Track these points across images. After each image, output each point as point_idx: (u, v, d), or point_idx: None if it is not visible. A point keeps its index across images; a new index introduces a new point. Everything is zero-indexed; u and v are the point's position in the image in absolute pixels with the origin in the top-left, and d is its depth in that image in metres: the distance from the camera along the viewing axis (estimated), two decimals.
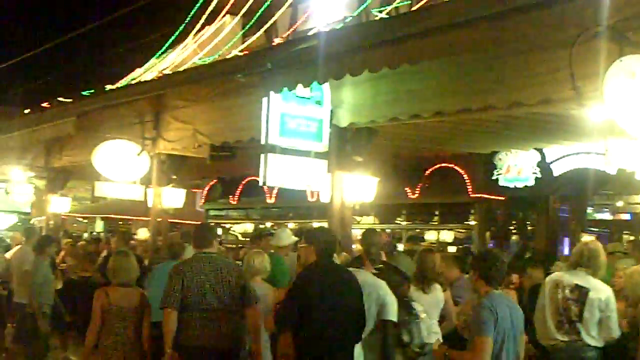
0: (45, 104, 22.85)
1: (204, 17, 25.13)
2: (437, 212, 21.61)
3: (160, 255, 16.09)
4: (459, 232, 21.17)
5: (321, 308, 7.86)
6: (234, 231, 28.28)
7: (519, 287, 12.32)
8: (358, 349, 8.23)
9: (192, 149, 16.80)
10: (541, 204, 20.26)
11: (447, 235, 21.28)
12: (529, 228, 21.39)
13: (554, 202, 20.48)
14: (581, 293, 8.73)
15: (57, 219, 24.14)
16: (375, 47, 10.98)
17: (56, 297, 14.03)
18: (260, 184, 13.13)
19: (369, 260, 9.10)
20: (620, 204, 26.20)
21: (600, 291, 8.79)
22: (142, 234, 21.87)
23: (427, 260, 10.45)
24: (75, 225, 36.37)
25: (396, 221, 22.42)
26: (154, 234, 17.97)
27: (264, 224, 26.23)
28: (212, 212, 28.61)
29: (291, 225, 23.20)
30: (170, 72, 21.28)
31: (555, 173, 18.13)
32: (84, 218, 35.43)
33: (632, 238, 18.67)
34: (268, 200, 24.72)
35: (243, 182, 25.66)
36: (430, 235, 21.55)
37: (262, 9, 23.91)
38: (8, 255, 16.71)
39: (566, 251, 19.85)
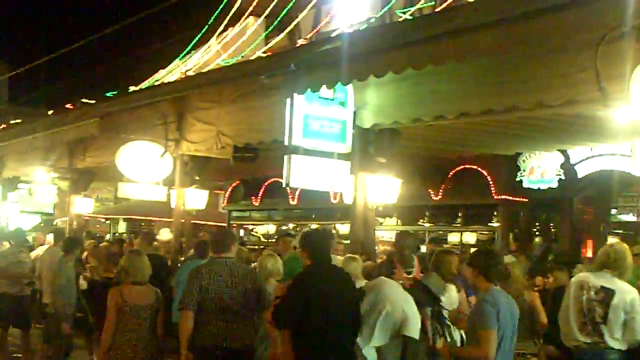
0: (68, 105, 22.94)
1: (227, 18, 25.17)
2: (460, 214, 21.54)
3: (184, 255, 16.16)
4: (482, 234, 21.09)
5: (317, 309, 7.88)
6: (256, 232, 28.30)
7: (543, 289, 12.27)
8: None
9: (215, 150, 16.79)
10: (565, 206, 20.13)
11: (470, 237, 21.21)
12: (552, 230, 21.26)
13: (578, 204, 20.35)
14: (606, 295, 8.66)
15: (80, 220, 24.22)
16: (399, 48, 10.95)
17: (82, 298, 14.05)
18: (284, 185, 13.12)
19: (402, 263, 9.09)
20: None
21: (626, 293, 8.71)
22: (164, 234, 21.93)
23: (444, 262, 10.39)
24: (97, 226, 36.49)
25: (419, 223, 22.36)
26: (176, 235, 18.00)
27: (287, 226, 26.23)
28: (234, 214, 28.61)
29: (314, 226, 23.16)
30: (194, 74, 21.33)
31: (580, 175, 18.04)
32: (107, 219, 35.55)
33: None
34: (291, 202, 24.70)
35: (266, 184, 25.66)
36: (453, 237, 21.50)
37: (285, 10, 23.92)
38: (33, 255, 16.78)
39: (589, 253, 19.70)
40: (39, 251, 17.88)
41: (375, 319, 8.41)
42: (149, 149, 17.87)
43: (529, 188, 18.86)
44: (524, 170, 18.77)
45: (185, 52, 26.85)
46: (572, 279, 9.48)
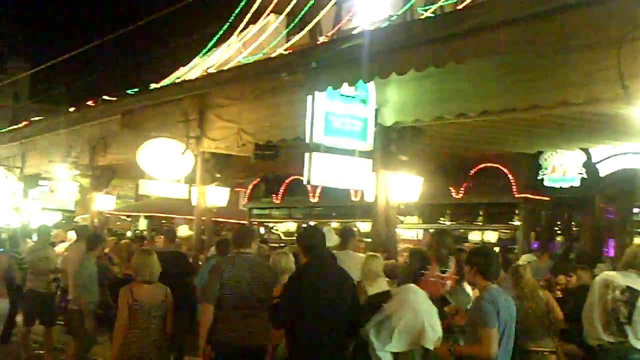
0: (90, 102, 22.97)
1: (248, 16, 25.16)
2: (481, 212, 21.46)
3: (205, 253, 16.19)
4: (503, 232, 21.01)
5: (309, 307, 7.93)
6: (276, 230, 28.28)
7: (565, 288, 12.21)
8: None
9: (236, 148, 16.82)
10: (587, 204, 20.02)
11: (491, 236, 21.13)
12: (574, 229, 21.16)
13: (600, 203, 20.24)
14: (632, 295, 8.63)
15: (101, 217, 24.28)
16: (421, 45, 10.94)
17: (107, 295, 14.09)
18: (305, 182, 13.12)
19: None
20: None
21: None
22: (183, 231, 21.93)
23: (460, 260, 10.38)
24: (118, 223, 36.59)
25: (440, 221, 22.29)
26: (197, 233, 18.02)
27: (307, 223, 26.21)
28: (255, 211, 28.61)
29: (334, 224, 23.14)
30: (215, 71, 21.28)
31: (602, 173, 17.92)
32: (128, 216, 35.62)
33: None
34: (311, 200, 24.69)
35: (286, 181, 25.65)
36: (474, 236, 21.40)
37: (306, 8, 23.89)
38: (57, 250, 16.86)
39: (611, 253, 19.61)
40: (59, 248, 17.96)
41: (394, 324, 8.38)
42: (170, 146, 17.89)
43: (550, 187, 18.78)
44: (545, 169, 18.68)
45: (206, 49, 26.83)
46: (597, 277, 9.44)
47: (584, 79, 9.98)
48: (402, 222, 20.70)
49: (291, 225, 27.42)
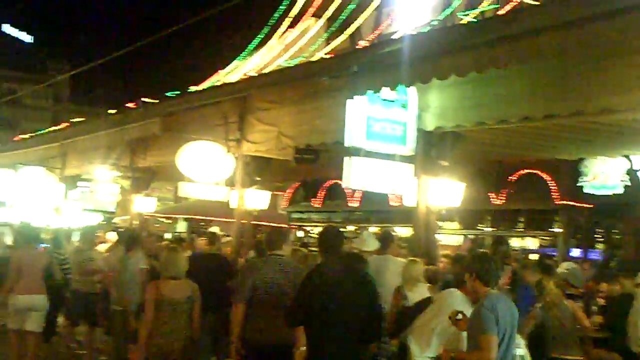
0: (130, 105, 23.08)
1: (289, 19, 25.23)
2: (521, 219, 21.38)
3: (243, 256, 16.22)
4: (543, 239, 20.92)
5: (320, 306, 7.89)
6: (315, 234, 28.30)
7: (608, 296, 12.13)
8: None
9: (276, 151, 16.83)
10: (629, 212, 19.87)
11: (531, 242, 21.04)
12: (616, 237, 21.01)
13: None
14: None
15: (141, 219, 24.38)
16: (462, 50, 10.88)
17: None
18: (344, 186, 13.11)
19: None
20: None
21: None
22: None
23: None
24: (157, 225, 36.70)
25: (479, 227, 22.22)
26: (237, 236, 18.03)
27: (346, 228, 26.20)
28: (294, 215, 28.67)
29: (373, 229, 23.11)
30: (255, 74, 21.35)
31: None
32: (167, 218, 35.73)
33: None
34: (350, 204, 24.69)
35: (326, 185, 25.67)
36: (515, 242, 21.31)
37: (347, 12, 23.91)
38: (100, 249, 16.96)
39: None
40: (99, 249, 18.05)
41: (433, 328, 8.36)
42: (209, 148, 17.92)
43: (591, 194, 18.65)
44: (586, 176, 18.56)
45: (245, 52, 26.92)
46: None
47: (627, 85, 9.90)
48: (441, 227, 20.65)
49: None
